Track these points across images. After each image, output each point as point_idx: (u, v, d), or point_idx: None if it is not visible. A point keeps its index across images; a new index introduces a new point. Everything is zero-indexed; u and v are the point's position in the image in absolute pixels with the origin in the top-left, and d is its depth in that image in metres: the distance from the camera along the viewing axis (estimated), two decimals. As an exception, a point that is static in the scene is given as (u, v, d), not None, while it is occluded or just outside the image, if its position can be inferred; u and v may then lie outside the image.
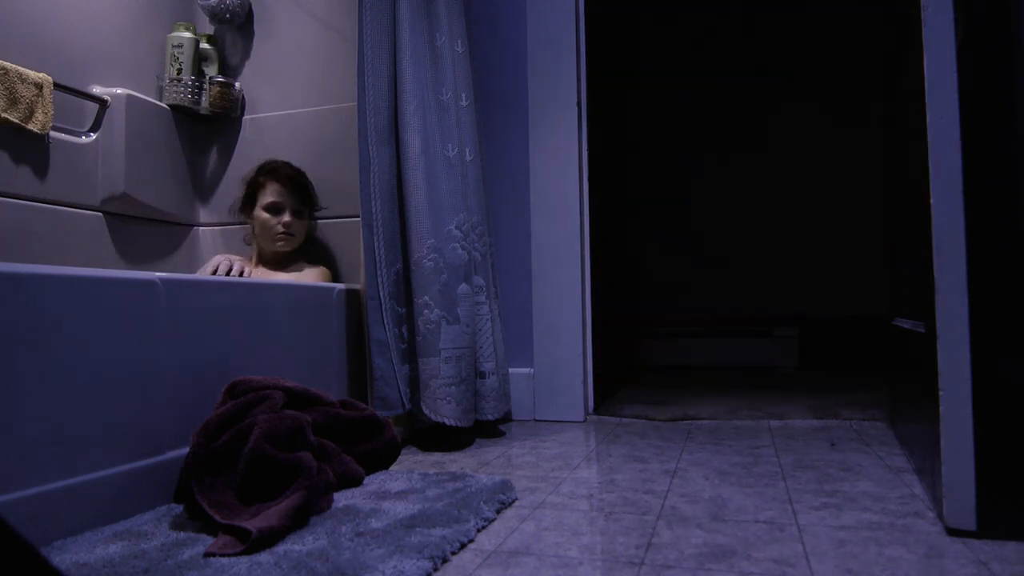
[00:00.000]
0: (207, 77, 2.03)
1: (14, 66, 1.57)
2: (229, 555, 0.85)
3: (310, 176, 1.97)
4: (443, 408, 1.54)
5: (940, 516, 0.94)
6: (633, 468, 1.33)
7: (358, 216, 1.64)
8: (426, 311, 1.55)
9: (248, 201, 1.84)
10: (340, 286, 1.62)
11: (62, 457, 0.94)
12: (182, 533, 0.94)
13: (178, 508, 1.07)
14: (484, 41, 1.99)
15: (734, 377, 2.86)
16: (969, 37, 1.45)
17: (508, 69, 1.98)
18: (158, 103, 1.97)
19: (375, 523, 0.96)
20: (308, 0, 2.03)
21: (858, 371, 2.93)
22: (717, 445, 1.53)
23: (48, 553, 0.87)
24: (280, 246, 1.81)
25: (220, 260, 1.75)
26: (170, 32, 2.01)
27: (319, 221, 1.95)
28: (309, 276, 1.82)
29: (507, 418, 1.93)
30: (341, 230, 1.94)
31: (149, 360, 1.09)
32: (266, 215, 1.80)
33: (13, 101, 1.57)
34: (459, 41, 1.76)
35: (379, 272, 1.58)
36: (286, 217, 1.80)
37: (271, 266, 1.84)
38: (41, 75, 1.63)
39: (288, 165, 1.87)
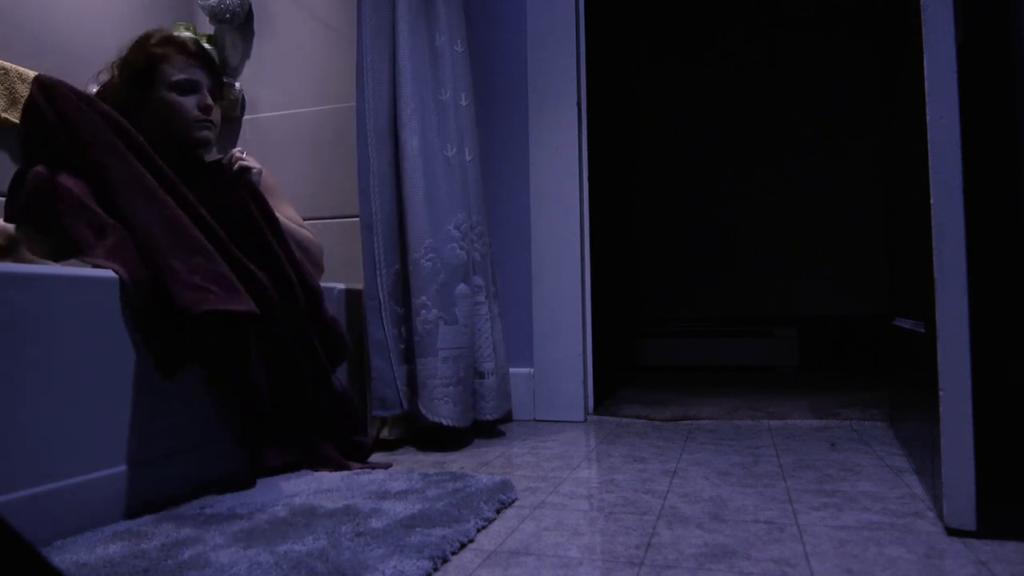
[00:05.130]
0: (207, 77, 2.03)
1: (14, 66, 1.57)
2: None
3: (310, 176, 1.97)
4: (441, 408, 1.54)
5: (940, 516, 0.94)
6: (633, 468, 1.33)
7: (357, 216, 1.64)
8: (424, 311, 1.55)
9: (139, 79, 1.36)
10: (340, 286, 1.62)
11: (62, 457, 0.94)
12: (182, 533, 0.94)
13: (178, 509, 1.06)
14: (484, 41, 1.99)
15: (734, 377, 2.86)
16: (969, 37, 1.45)
17: (508, 69, 1.98)
18: (158, 103, 1.97)
19: (375, 523, 0.96)
20: (308, 0, 2.03)
21: (858, 371, 2.94)
22: (717, 445, 1.53)
23: (48, 553, 0.87)
24: (205, 135, 1.40)
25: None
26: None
27: (320, 221, 1.95)
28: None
29: (507, 418, 1.93)
30: (341, 230, 1.94)
31: (147, 359, 1.09)
32: (176, 96, 1.36)
33: (13, 101, 1.57)
34: (458, 41, 1.76)
35: (378, 272, 1.58)
36: (207, 99, 1.40)
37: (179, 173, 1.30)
38: (41, 75, 1.63)
39: (193, 39, 1.47)
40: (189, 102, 1.37)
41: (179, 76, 1.36)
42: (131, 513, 1.04)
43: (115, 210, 1.10)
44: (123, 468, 1.03)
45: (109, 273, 1.04)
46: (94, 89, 1.44)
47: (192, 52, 1.40)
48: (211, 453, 1.19)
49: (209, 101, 1.40)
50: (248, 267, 1.21)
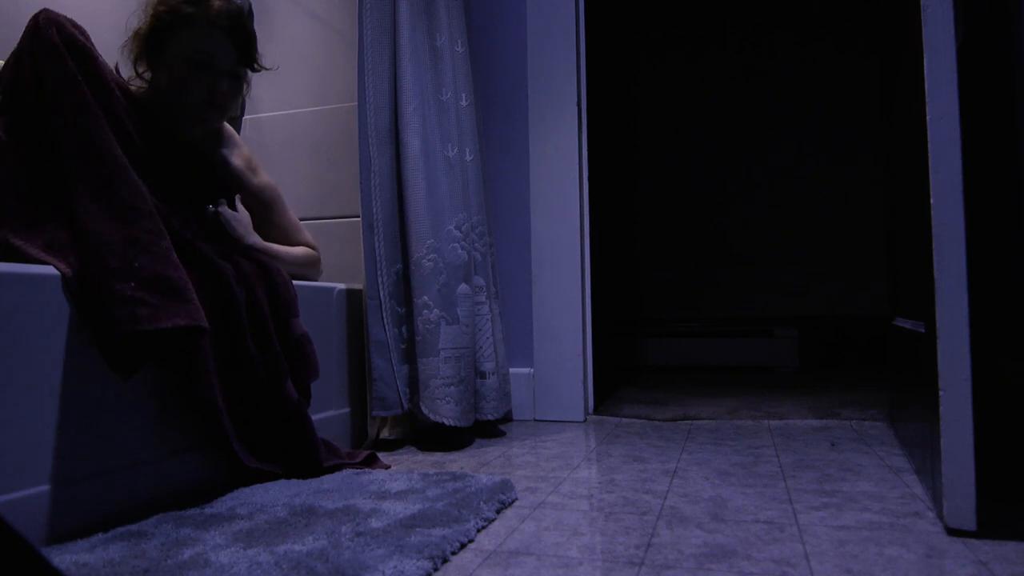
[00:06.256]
0: (207, 77, 2.03)
1: (14, 66, 1.57)
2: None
3: (310, 176, 1.96)
4: (442, 408, 1.54)
5: (940, 516, 0.94)
6: (633, 468, 1.33)
7: (358, 216, 1.64)
8: (425, 311, 1.55)
9: (158, 34, 1.23)
10: (340, 286, 1.62)
11: (63, 457, 0.94)
12: (182, 533, 0.94)
13: (177, 510, 1.06)
14: (484, 41, 2.00)
15: (734, 377, 2.86)
16: (969, 37, 1.45)
17: (508, 69, 1.98)
18: (158, 103, 1.97)
19: (375, 523, 0.96)
20: (308, 0, 2.03)
21: (858, 371, 2.94)
22: (717, 445, 1.53)
23: (48, 553, 0.87)
24: (203, 127, 1.31)
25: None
26: (170, 32, 2.01)
27: (321, 221, 1.95)
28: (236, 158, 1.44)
29: (507, 418, 1.93)
30: (341, 230, 1.94)
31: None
32: (185, 71, 1.23)
33: (13, 101, 1.57)
34: (459, 41, 1.76)
35: (379, 272, 1.58)
36: (222, 85, 1.26)
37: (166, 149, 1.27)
38: (41, 75, 1.63)
39: (227, 6, 1.26)
40: (198, 82, 1.23)
41: (194, 48, 1.21)
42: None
43: (67, 183, 1.00)
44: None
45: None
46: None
47: (214, 20, 1.21)
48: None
49: (222, 86, 1.24)
50: (212, 260, 1.15)
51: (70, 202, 0.99)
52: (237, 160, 1.43)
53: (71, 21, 1.09)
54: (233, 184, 1.42)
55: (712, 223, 3.56)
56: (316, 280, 1.57)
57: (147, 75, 1.27)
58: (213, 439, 1.15)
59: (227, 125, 1.45)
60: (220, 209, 1.33)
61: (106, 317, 0.94)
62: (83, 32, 1.10)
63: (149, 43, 1.24)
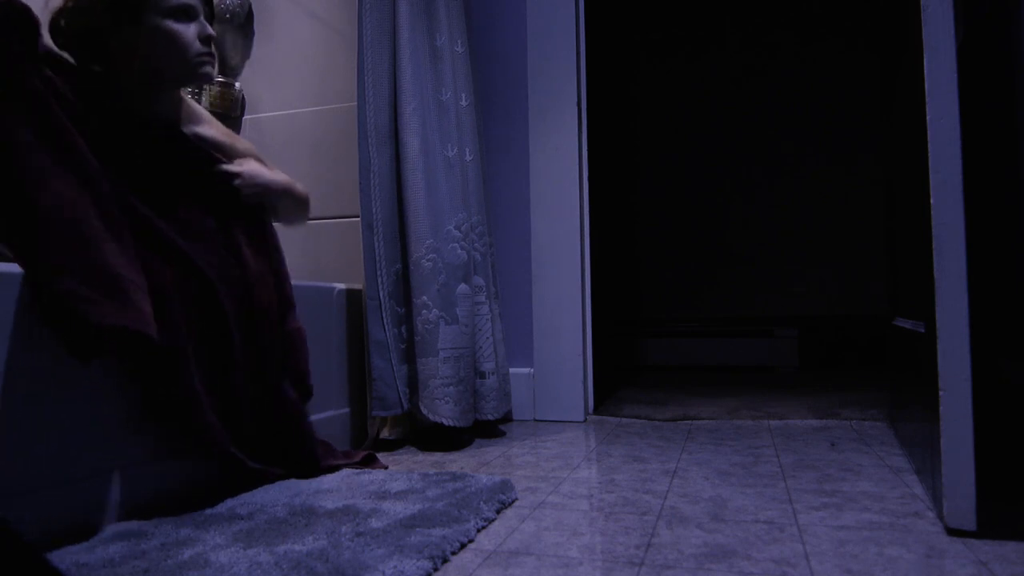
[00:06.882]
0: (207, 77, 2.03)
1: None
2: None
3: (310, 176, 1.95)
4: (441, 408, 1.54)
5: (940, 516, 0.94)
6: (633, 468, 1.33)
7: (358, 216, 1.64)
8: (424, 311, 1.55)
9: (116, 14, 1.14)
10: (340, 286, 1.62)
11: (65, 457, 0.94)
12: (182, 533, 0.94)
13: (176, 511, 1.06)
14: (484, 41, 2.00)
15: (734, 377, 2.86)
16: (969, 37, 1.45)
17: (508, 69, 1.98)
18: (158, 103, 1.96)
19: (375, 523, 0.96)
20: (308, 0, 2.03)
21: (858, 371, 2.94)
22: (717, 445, 1.53)
23: (47, 554, 0.87)
24: (207, 71, 1.23)
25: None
26: (170, 32, 2.01)
27: (320, 221, 1.95)
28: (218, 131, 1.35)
29: (507, 418, 1.93)
30: (341, 230, 1.94)
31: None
32: (174, 24, 1.16)
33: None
34: (459, 41, 1.76)
35: (379, 272, 1.58)
36: (208, 28, 1.21)
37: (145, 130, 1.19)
38: (41, 75, 1.62)
39: None
40: (189, 32, 1.17)
41: (174, 2, 1.16)
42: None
43: (24, 177, 0.89)
44: (132, 467, 0.98)
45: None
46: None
47: None
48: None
49: (210, 31, 1.21)
50: (196, 263, 1.09)
51: (28, 185, 0.89)
52: (211, 131, 1.35)
53: (20, 7, 0.96)
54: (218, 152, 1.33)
55: (712, 223, 3.56)
56: (303, 223, 1.47)
57: (96, 66, 1.17)
58: (204, 442, 1.10)
59: (190, 100, 1.35)
60: (232, 169, 1.25)
61: (53, 308, 0.88)
62: (32, 20, 0.98)
63: (113, 14, 1.13)
